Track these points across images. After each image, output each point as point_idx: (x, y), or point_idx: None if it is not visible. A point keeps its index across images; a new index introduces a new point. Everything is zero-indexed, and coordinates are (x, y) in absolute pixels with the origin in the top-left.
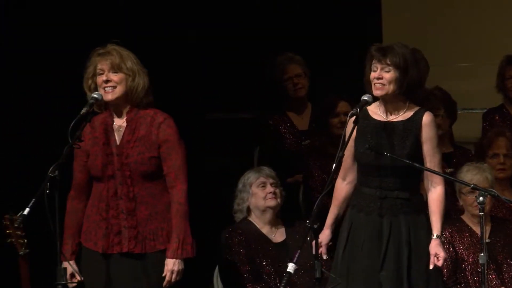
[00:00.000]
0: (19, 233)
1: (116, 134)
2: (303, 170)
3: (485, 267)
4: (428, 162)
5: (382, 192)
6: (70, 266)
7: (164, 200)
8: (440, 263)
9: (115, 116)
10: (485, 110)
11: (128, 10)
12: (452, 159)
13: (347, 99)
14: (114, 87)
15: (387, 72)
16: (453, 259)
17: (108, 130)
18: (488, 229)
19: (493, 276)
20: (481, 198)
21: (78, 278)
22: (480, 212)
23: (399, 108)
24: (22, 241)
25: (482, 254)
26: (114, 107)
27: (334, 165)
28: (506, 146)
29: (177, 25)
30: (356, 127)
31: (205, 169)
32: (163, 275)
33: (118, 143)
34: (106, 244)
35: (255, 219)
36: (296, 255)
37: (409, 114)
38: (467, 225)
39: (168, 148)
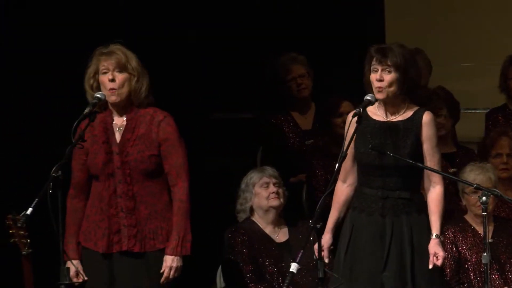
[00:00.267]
0: (22, 233)
1: (116, 133)
2: (306, 170)
3: (488, 267)
4: (428, 162)
5: (383, 192)
6: (73, 266)
7: (164, 199)
8: (439, 263)
9: (115, 115)
10: (488, 110)
11: (128, 10)
12: (455, 159)
13: (350, 99)
14: (118, 87)
15: (388, 73)
16: (456, 259)
17: (107, 128)
18: (491, 229)
19: (496, 276)
20: (484, 198)
21: (82, 277)
22: (483, 212)
23: (399, 108)
24: (25, 241)
25: (485, 254)
26: (115, 107)
27: (337, 164)
28: (509, 145)
29: (179, 25)
30: (348, 131)
31: (208, 169)
32: (161, 271)
33: (118, 141)
34: (106, 244)
35: (258, 219)
36: (299, 255)
37: (408, 113)
38: (470, 225)
39: (168, 146)
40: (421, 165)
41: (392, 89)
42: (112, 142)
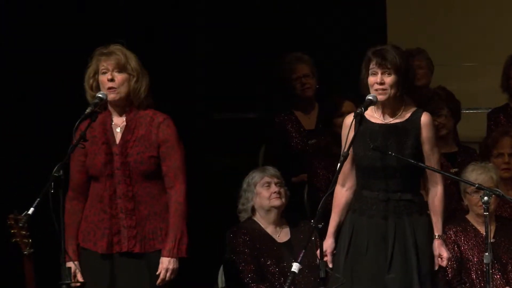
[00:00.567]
0: (24, 232)
1: (115, 134)
2: (308, 169)
3: (490, 266)
4: (427, 162)
5: (385, 195)
6: (74, 266)
7: (163, 201)
8: (444, 264)
9: (114, 115)
10: (489, 110)
11: (128, 10)
12: (457, 159)
13: (352, 99)
14: (117, 87)
15: (388, 76)
16: (458, 259)
17: (107, 129)
18: (492, 228)
19: (498, 276)
20: (486, 198)
21: (80, 279)
22: (484, 212)
23: (397, 110)
24: (26, 240)
25: (487, 254)
26: (115, 107)
27: (339, 165)
28: (511, 145)
29: (181, 25)
30: (350, 131)
31: (210, 169)
32: (157, 273)
33: (117, 142)
34: (106, 244)
35: (259, 218)
36: (301, 255)
37: (406, 115)
38: (472, 225)
39: (167, 148)
40: (423, 165)
41: (392, 91)
42: (111, 143)
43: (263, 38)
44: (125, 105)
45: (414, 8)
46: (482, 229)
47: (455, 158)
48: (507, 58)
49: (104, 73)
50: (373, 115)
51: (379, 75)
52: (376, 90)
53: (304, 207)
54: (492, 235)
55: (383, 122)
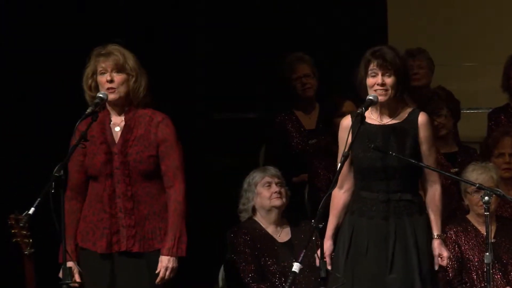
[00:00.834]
0: (24, 232)
1: (114, 133)
2: (308, 169)
3: (490, 266)
4: (425, 161)
5: (385, 195)
6: (75, 266)
7: (162, 200)
8: (444, 263)
9: (112, 115)
10: (490, 110)
11: (129, 10)
12: (457, 159)
13: (352, 99)
14: (116, 87)
15: (388, 77)
16: (459, 259)
17: (105, 129)
18: (493, 228)
19: (499, 276)
20: (486, 198)
21: (77, 279)
22: (485, 212)
23: (394, 111)
24: (27, 240)
25: (488, 254)
26: (114, 107)
27: (339, 165)
28: None
29: (182, 25)
30: (351, 131)
31: (211, 169)
32: (157, 271)
33: (117, 141)
34: (105, 244)
35: (260, 218)
36: (301, 255)
37: (403, 115)
38: (473, 225)
39: (167, 147)
40: (424, 165)
41: (392, 92)
42: (110, 143)
43: (263, 38)
44: (124, 105)
45: (414, 8)
46: (482, 229)
47: (455, 158)
48: (508, 58)
49: (103, 73)
50: (370, 116)
51: (380, 76)
52: (376, 91)
53: (304, 207)
54: (492, 235)
55: (381, 123)
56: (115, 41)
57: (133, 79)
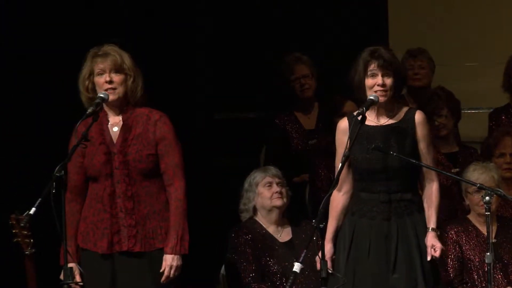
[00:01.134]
0: (25, 232)
1: (112, 133)
2: (309, 169)
3: (491, 266)
4: (424, 160)
5: (386, 196)
6: (76, 267)
7: (162, 199)
8: (437, 254)
9: (110, 115)
10: (491, 110)
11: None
12: (458, 159)
13: (353, 99)
14: (116, 88)
15: (388, 77)
16: (459, 259)
17: (103, 129)
18: (494, 228)
19: (499, 276)
20: (487, 198)
21: (78, 280)
22: (486, 212)
23: (390, 111)
24: (28, 240)
25: (488, 253)
26: (112, 107)
27: (340, 165)
28: None
29: (183, 25)
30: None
31: (212, 168)
32: (161, 270)
33: (115, 141)
34: (106, 244)
35: (261, 218)
36: (302, 255)
37: (400, 115)
38: (473, 225)
39: (165, 145)
40: (424, 164)
41: (391, 92)
42: (109, 143)
43: (263, 38)
44: (122, 104)
45: (415, 8)
46: (483, 229)
47: (456, 158)
48: (509, 58)
49: (101, 74)
50: (367, 117)
51: (380, 76)
52: (376, 91)
53: (305, 207)
54: (493, 235)
55: (378, 124)
56: (112, 41)
57: (131, 79)
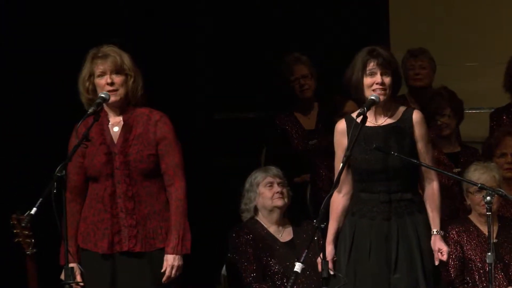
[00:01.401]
0: (27, 232)
1: (112, 133)
2: (310, 170)
3: (492, 266)
4: (422, 160)
5: (386, 196)
6: (77, 267)
7: (162, 199)
8: (444, 258)
9: (110, 115)
10: (492, 110)
11: (129, 10)
12: (460, 159)
13: (354, 99)
14: (117, 89)
15: (387, 76)
16: (461, 259)
17: (103, 129)
18: (495, 228)
19: (501, 276)
20: (488, 198)
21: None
22: (487, 212)
23: (388, 111)
24: (29, 240)
25: (490, 253)
26: (112, 107)
27: (341, 165)
28: None
29: (182, 24)
30: (351, 132)
31: (213, 168)
32: (163, 270)
33: (116, 142)
34: (106, 245)
35: (262, 218)
36: (303, 255)
37: (398, 115)
38: (475, 225)
39: (166, 145)
40: (425, 164)
41: (390, 91)
42: (109, 143)
43: (263, 38)
44: (122, 105)
45: (415, 8)
46: (484, 229)
47: (457, 158)
48: (510, 57)
49: (101, 76)
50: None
51: (379, 75)
52: (374, 90)
53: (306, 207)
54: (494, 235)
55: (376, 125)
56: (111, 41)
57: (132, 79)
